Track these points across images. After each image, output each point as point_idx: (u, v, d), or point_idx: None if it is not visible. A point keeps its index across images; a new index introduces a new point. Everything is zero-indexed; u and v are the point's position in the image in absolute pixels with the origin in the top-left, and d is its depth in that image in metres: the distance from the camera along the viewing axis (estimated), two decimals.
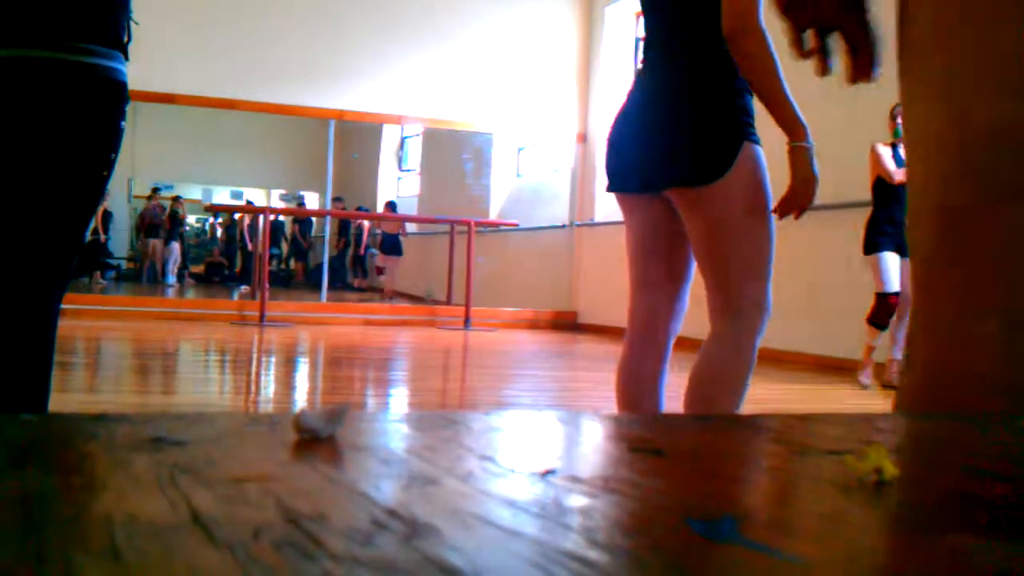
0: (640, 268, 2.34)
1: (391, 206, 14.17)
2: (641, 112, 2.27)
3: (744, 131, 2.20)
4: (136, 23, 2.05)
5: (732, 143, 2.17)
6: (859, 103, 5.92)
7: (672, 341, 2.38)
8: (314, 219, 16.76)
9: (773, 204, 2.21)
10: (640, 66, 2.34)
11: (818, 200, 2.18)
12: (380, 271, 14.72)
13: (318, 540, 0.35)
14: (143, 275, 15.83)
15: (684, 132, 2.19)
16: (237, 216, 16.57)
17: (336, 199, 13.98)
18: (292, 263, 17.40)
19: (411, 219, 13.76)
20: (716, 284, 2.21)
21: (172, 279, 15.63)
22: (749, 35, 2.06)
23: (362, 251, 16.49)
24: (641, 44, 2.38)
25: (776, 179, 2.18)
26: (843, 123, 6.17)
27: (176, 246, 15.78)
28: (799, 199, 2.14)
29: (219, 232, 17.75)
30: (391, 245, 14.08)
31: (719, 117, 2.18)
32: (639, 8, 2.40)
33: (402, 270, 14.80)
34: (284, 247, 17.32)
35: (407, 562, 0.32)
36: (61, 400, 3.37)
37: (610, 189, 2.38)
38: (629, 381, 2.34)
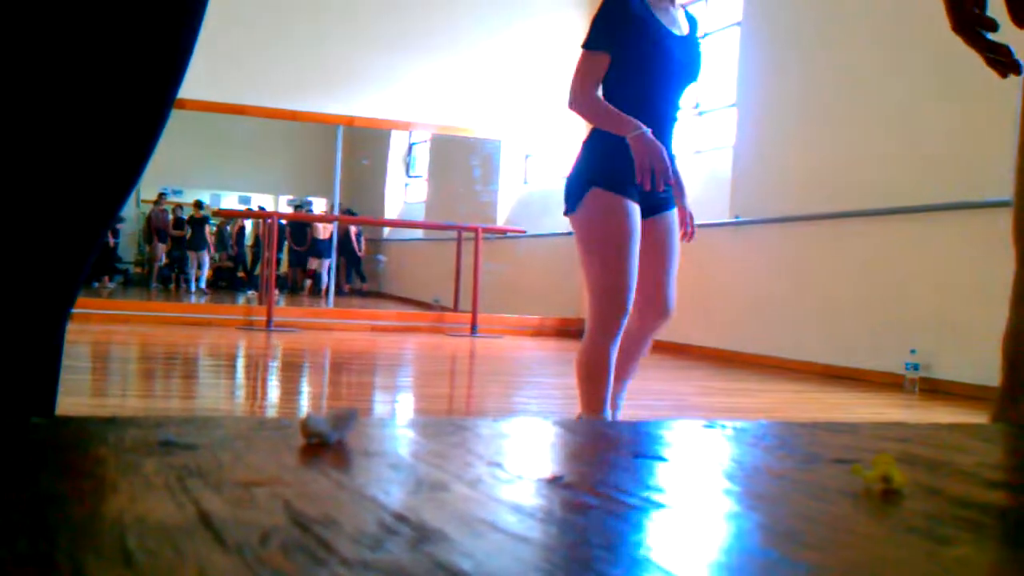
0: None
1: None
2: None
3: None
4: None
5: None
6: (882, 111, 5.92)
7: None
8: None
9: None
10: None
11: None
12: (313, 273, 15.95)
13: (327, 544, 0.35)
14: (152, 280, 15.77)
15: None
16: (247, 220, 16.58)
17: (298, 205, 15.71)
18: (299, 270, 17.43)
19: (418, 225, 13.78)
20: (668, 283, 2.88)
21: (202, 285, 15.42)
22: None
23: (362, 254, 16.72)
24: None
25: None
26: (830, 135, 6.17)
27: (204, 253, 15.54)
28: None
29: (226, 236, 17.68)
30: (322, 250, 15.22)
31: None
32: None
33: (409, 276, 14.99)
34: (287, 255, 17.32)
35: (416, 567, 0.32)
36: (68, 404, 3.38)
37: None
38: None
